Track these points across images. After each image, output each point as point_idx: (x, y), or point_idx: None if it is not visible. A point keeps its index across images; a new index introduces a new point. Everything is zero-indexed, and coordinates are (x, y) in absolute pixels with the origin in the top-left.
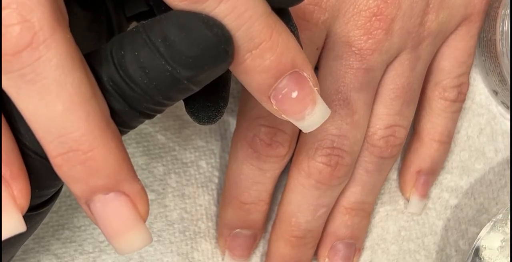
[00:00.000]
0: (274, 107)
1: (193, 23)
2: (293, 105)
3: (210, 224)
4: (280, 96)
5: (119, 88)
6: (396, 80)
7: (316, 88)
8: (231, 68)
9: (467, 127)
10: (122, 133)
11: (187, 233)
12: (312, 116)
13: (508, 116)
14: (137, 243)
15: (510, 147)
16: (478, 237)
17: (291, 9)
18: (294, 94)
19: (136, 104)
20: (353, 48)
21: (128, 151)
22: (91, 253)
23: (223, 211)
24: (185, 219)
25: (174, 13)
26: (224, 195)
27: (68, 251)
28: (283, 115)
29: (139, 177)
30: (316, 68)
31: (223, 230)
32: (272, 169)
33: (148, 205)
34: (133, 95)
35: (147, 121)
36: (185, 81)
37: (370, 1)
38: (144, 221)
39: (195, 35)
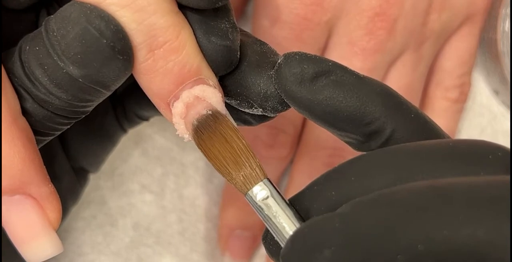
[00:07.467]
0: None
1: (75, 15)
2: None
3: (209, 225)
4: None
5: (24, 84)
6: (398, 81)
7: (222, 99)
8: None
9: (468, 128)
10: (45, 135)
11: (186, 234)
12: None
13: (509, 116)
14: (45, 252)
15: (510, 147)
16: None
17: (291, 9)
18: None
19: (43, 104)
20: (356, 49)
21: (126, 152)
22: (89, 254)
23: (223, 212)
24: (184, 220)
25: (69, 3)
26: (225, 196)
27: (66, 252)
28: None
29: (137, 178)
30: None
31: (223, 231)
32: (274, 170)
33: (59, 210)
34: (37, 94)
35: (145, 122)
36: (81, 80)
37: (373, 1)
38: (54, 228)
39: (77, 29)
